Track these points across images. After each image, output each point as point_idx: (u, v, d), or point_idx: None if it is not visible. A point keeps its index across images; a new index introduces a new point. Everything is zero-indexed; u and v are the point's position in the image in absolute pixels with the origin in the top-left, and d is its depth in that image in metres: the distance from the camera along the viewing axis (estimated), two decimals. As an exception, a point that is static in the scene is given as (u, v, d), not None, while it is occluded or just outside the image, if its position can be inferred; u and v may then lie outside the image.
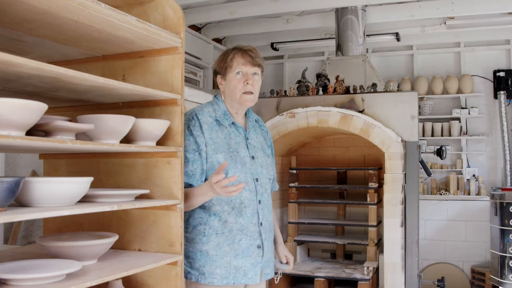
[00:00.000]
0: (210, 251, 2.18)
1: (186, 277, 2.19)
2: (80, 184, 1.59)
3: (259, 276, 2.26)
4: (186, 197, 2.09)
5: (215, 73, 2.35)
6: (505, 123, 5.84)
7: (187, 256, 2.20)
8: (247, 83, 2.22)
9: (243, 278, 2.20)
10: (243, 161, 2.24)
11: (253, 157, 2.29)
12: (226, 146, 2.21)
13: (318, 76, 4.75)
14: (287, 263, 2.47)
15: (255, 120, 2.42)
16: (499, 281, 4.96)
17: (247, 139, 2.31)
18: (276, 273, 2.46)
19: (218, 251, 2.18)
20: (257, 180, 2.27)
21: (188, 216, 2.22)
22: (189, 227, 2.22)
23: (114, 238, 1.80)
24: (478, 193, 5.98)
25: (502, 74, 5.98)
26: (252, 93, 2.24)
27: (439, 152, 4.75)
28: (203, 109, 2.28)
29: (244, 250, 2.21)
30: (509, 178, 5.85)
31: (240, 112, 2.34)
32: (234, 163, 2.20)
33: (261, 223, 2.27)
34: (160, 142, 1.97)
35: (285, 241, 5.07)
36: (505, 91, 5.92)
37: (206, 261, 2.17)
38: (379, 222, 4.78)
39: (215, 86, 2.43)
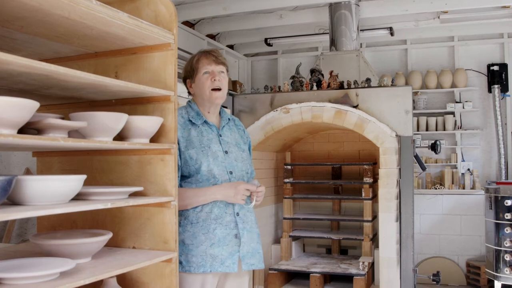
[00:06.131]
0: (186, 240, 2.27)
1: None
2: (74, 182, 1.58)
3: (237, 265, 2.31)
4: (186, 195, 2.23)
5: (185, 79, 2.53)
6: (499, 117, 5.86)
7: None
8: (214, 80, 2.38)
9: (220, 266, 2.27)
10: (215, 155, 2.35)
11: (226, 152, 2.40)
12: (198, 143, 2.35)
13: (312, 71, 4.74)
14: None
15: (229, 119, 2.55)
16: (494, 274, 4.99)
17: (220, 135, 2.44)
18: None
19: (193, 240, 2.26)
20: (231, 172, 2.37)
21: None
22: None
23: (108, 235, 1.79)
24: (473, 187, 6.00)
25: (496, 68, 6.00)
26: (220, 89, 2.40)
27: (434, 147, 4.76)
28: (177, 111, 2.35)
29: (220, 239, 2.29)
30: (503, 171, 5.88)
31: (213, 111, 2.48)
32: (206, 156, 2.32)
33: (237, 213, 2.35)
34: (154, 139, 1.96)
35: (280, 237, 5.08)
36: (499, 85, 5.93)
37: (183, 250, 2.25)
38: (374, 217, 4.79)
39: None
